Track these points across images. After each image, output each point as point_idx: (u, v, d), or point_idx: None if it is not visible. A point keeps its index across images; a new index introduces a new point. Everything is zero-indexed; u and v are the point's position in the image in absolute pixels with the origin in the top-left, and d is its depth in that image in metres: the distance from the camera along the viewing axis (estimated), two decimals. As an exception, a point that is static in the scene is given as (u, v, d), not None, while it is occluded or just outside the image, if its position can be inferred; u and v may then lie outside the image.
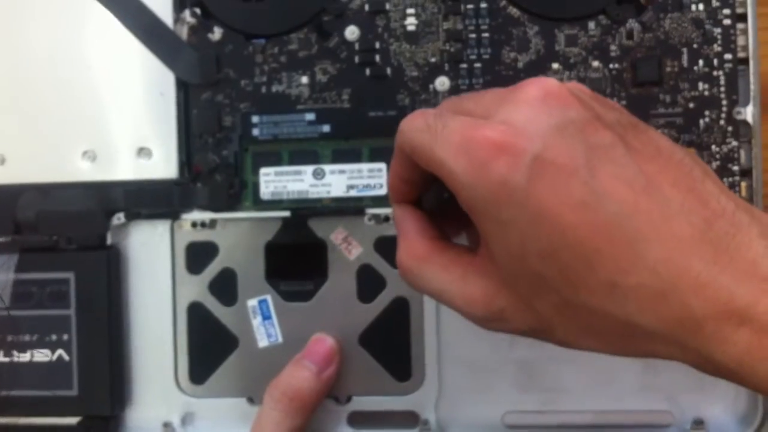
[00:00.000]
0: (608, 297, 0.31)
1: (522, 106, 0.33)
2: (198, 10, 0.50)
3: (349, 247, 0.49)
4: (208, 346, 0.50)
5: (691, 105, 0.46)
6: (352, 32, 0.49)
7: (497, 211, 0.33)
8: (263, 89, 0.49)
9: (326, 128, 0.48)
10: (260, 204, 0.49)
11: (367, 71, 0.49)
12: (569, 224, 0.31)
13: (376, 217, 0.48)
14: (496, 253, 0.34)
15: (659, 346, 0.32)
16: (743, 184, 0.46)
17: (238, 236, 0.50)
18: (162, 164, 0.49)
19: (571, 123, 0.32)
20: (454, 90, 0.48)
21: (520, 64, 0.48)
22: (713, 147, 0.46)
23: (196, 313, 0.50)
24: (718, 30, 0.46)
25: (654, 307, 0.31)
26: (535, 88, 0.33)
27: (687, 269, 0.30)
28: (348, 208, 0.49)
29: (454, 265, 0.36)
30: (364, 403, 0.49)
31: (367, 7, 0.49)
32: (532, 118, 0.32)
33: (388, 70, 0.49)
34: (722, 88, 0.46)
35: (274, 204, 0.49)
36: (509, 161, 0.32)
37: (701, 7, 0.46)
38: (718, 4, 0.46)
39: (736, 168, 0.46)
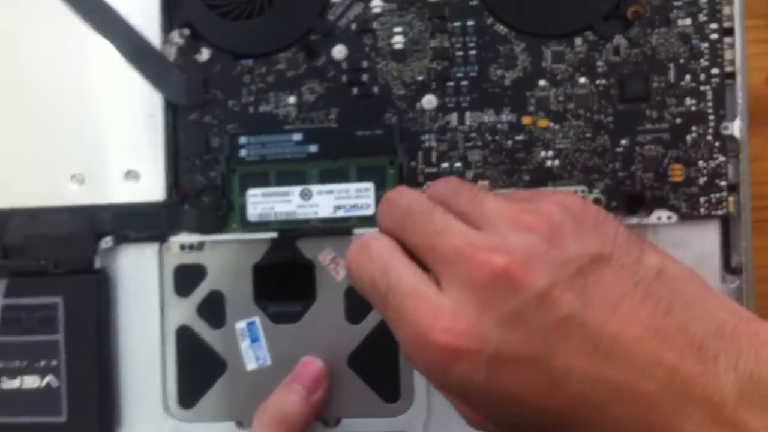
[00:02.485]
0: None
1: (471, 295, 0.32)
2: (186, 31, 0.50)
3: (337, 268, 0.49)
4: (197, 370, 0.50)
5: (678, 120, 0.46)
6: (339, 51, 0.49)
7: (462, 397, 0.34)
8: (251, 109, 0.49)
9: (313, 148, 0.48)
10: (248, 225, 0.49)
11: (355, 90, 0.49)
12: (535, 405, 0.32)
13: (364, 237, 0.48)
14: (472, 411, 0.35)
15: None
16: (731, 200, 0.45)
17: (226, 258, 0.49)
18: (150, 187, 0.49)
19: (524, 308, 0.31)
20: (441, 108, 0.48)
21: (507, 81, 0.47)
22: (700, 162, 0.45)
23: (185, 336, 0.50)
24: (705, 45, 0.46)
25: None
26: (483, 270, 0.32)
27: (651, 426, 0.30)
28: (336, 228, 0.48)
29: None
30: (353, 425, 0.49)
31: (354, 26, 0.49)
32: (482, 311, 0.32)
33: (375, 89, 0.48)
34: (709, 103, 0.46)
35: (262, 225, 0.48)
36: (467, 367, 0.32)
37: (688, 21, 0.46)
38: (705, 18, 0.46)
39: (723, 183, 0.45)
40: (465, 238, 0.34)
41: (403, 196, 0.37)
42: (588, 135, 0.46)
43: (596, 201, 0.46)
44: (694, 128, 0.46)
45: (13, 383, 0.49)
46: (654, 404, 0.30)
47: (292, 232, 0.48)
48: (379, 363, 0.48)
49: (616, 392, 0.31)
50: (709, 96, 0.46)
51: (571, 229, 0.33)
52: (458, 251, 0.33)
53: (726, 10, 0.46)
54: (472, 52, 0.48)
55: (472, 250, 0.33)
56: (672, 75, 0.46)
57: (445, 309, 0.33)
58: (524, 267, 0.32)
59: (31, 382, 0.49)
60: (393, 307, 0.34)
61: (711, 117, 0.46)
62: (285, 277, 0.49)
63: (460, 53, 0.48)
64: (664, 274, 0.33)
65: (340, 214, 0.48)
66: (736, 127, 0.45)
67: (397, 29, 0.49)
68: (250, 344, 0.49)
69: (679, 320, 0.31)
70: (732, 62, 0.46)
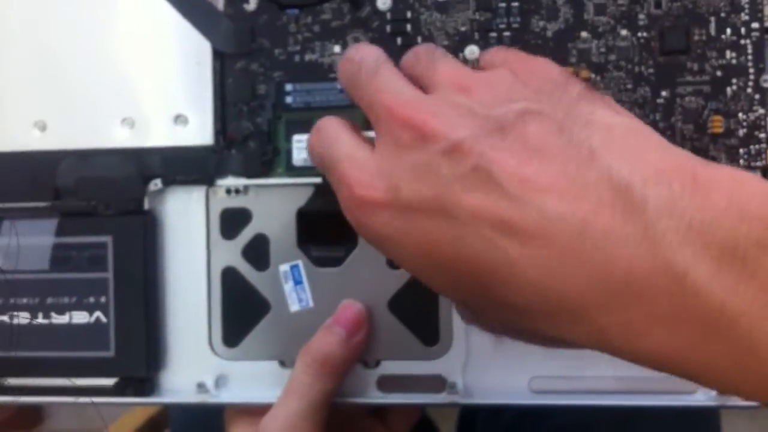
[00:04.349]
0: (518, 315, 0.33)
1: (391, 150, 0.34)
2: (234, -19, 0.51)
3: (379, 214, 0.50)
4: (241, 310, 0.51)
5: (719, 73, 0.46)
6: (383, 2, 0.49)
7: (397, 255, 0.36)
8: (296, 58, 0.50)
9: (358, 96, 0.49)
10: (292, 170, 0.50)
11: (399, 41, 0.49)
12: (448, 257, 0.33)
13: (405, 184, 0.49)
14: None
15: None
16: (770, 152, 0.46)
17: (270, 202, 0.51)
18: (198, 131, 0.51)
19: (433, 158, 0.33)
20: (484, 59, 0.48)
21: (549, 33, 0.48)
22: (740, 115, 0.46)
23: (230, 277, 0.51)
24: (745, -1, 0.46)
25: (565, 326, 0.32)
26: (400, 124, 0.34)
27: (563, 284, 0.30)
28: (378, 174, 0.49)
29: None
30: (392, 367, 0.50)
31: (398, -22, 0.49)
32: (396, 163, 0.34)
33: (419, 40, 0.49)
34: (749, 57, 0.46)
35: (306, 171, 0.50)
36: (383, 217, 0.34)
37: (729, -25, 0.47)
38: (745, -27, 0.46)
39: (762, 135, 0.46)
40: (398, 97, 0.35)
41: (358, 52, 0.39)
42: (629, 86, 0.47)
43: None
44: (734, 81, 0.46)
45: (63, 319, 0.51)
46: (563, 258, 0.30)
47: (335, 177, 0.49)
48: (418, 307, 0.50)
49: (525, 242, 0.30)
50: (749, 50, 0.46)
51: (508, 90, 0.34)
52: (388, 108, 0.35)
53: (766, -35, 0.46)
54: (515, 3, 0.48)
55: (397, 107, 0.34)
56: (713, 28, 0.47)
57: (369, 167, 0.35)
58: (440, 121, 0.33)
59: (80, 318, 0.50)
60: (334, 176, 0.37)
61: (751, 70, 0.46)
62: (327, 222, 0.50)
63: (503, 5, 0.49)
64: (597, 123, 0.32)
65: (383, 160, 0.49)
66: (775, 81, 0.46)
67: (441, -19, 0.49)
68: (293, 286, 0.50)
69: (601, 169, 0.30)
70: (772, 17, 0.46)
